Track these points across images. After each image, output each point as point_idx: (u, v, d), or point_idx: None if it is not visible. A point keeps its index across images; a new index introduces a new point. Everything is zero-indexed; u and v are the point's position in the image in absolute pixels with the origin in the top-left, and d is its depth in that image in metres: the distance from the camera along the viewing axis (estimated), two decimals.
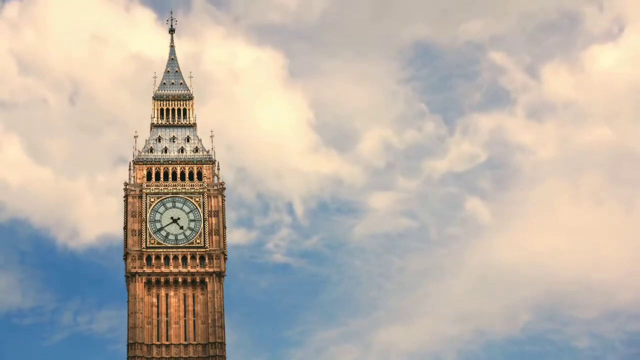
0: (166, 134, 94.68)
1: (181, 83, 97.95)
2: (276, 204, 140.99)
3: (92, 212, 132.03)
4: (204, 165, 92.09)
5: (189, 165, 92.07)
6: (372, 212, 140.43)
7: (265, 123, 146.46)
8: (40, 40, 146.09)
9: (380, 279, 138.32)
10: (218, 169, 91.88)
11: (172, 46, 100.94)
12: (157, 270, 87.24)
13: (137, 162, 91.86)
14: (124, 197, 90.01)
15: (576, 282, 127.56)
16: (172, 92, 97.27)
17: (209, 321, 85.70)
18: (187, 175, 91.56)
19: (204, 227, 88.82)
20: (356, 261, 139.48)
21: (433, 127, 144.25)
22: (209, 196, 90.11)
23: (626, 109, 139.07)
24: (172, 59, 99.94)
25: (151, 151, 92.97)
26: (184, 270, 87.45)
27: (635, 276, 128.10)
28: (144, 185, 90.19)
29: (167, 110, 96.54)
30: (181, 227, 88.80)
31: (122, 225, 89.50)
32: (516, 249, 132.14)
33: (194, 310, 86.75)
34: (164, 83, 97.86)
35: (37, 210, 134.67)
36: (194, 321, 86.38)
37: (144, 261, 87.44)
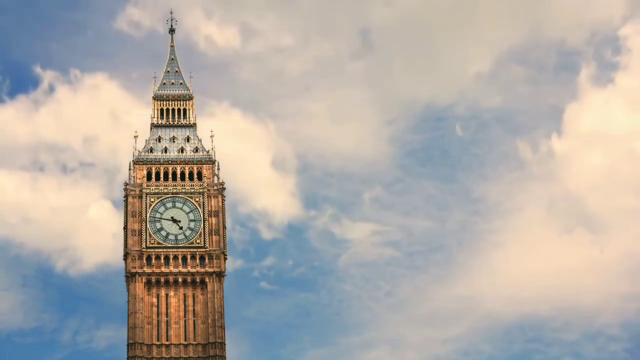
0: (166, 134, 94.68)
1: (181, 83, 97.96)
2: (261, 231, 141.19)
3: (92, 240, 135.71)
4: (204, 165, 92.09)
5: (189, 165, 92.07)
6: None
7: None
8: None
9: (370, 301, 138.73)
10: (218, 169, 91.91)
11: (172, 46, 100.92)
12: (157, 270, 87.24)
13: (137, 162, 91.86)
14: (124, 197, 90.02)
15: (557, 307, 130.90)
16: (172, 92, 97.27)
17: (209, 321, 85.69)
18: (187, 175, 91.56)
19: (204, 227, 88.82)
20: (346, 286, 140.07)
21: None
22: (209, 196, 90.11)
23: None
24: (172, 59, 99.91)
25: (151, 151, 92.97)
26: (184, 270, 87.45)
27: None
28: (144, 185, 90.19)
29: (167, 110, 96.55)
30: (180, 228, 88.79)
31: (122, 225, 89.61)
32: (498, 275, 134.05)
33: (194, 310, 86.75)
34: (164, 83, 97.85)
35: (40, 238, 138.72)
36: (194, 321, 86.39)
37: (144, 261, 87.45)
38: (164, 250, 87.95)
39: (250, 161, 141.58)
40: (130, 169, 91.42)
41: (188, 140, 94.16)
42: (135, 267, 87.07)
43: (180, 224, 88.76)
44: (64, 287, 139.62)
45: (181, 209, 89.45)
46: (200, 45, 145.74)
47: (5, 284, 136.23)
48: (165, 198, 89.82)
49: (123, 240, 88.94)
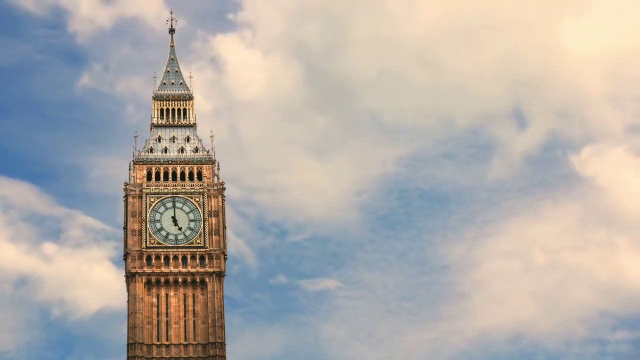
0: (166, 134, 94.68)
1: (181, 83, 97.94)
2: None
3: (92, 287, 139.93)
4: (204, 165, 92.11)
5: (189, 165, 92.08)
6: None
7: None
8: None
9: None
10: (218, 169, 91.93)
11: (172, 46, 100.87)
12: (157, 270, 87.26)
13: (137, 162, 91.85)
14: (124, 197, 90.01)
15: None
16: (172, 92, 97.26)
17: (209, 321, 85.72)
18: (187, 175, 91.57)
19: (204, 227, 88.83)
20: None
21: None
22: (209, 196, 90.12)
23: None
24: (172, 59, 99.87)
25: (151, 151, 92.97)
26: (184, 270, 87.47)
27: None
28: (144, 185, 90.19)
29: (167, 110, 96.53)
30: (180, 228, 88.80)
31: (122, 225, 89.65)
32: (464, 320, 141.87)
33: (194, 310, 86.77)
34: (164, 83, 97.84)
35: (43, 285, 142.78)
36: (194, 321, 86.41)
37: (144, 261, 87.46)
38: (164, 250, 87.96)
39: None
40: (130, 169, 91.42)
41: (188, 140, 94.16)
42: (135, 267, 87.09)
43: (180, 225, 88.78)
44: (64, 328, 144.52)
45: (181, 209, 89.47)
46: None
47: (12, 326, 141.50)
48: (165, 198, 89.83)
49: (123, 240, 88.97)
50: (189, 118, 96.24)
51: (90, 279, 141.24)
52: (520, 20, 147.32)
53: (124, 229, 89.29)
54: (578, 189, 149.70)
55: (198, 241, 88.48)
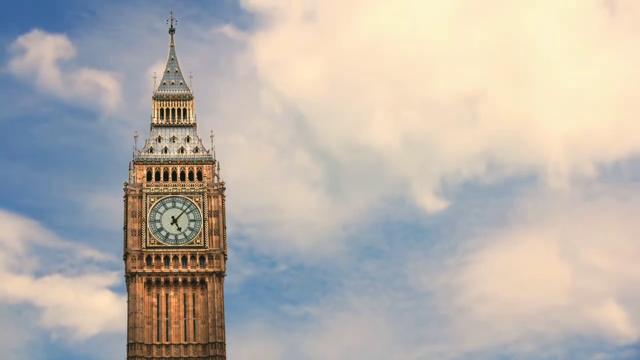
0: (166, 134, 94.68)
1: (181, 83, 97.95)
2: None
3: (92, 313, 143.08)
4: (204, 165, 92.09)
5: (189, 165, 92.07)
6: None
7: None
8: None
9: None
10: (218, 169, 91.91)
11: (172, 46, 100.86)
12: (157, 270, 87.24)
13: (137, 162, 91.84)
14: (124, 197, 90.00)
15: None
16: (172, 92, 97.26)
17: (209, 321, 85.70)
18: (187, 175, 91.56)
19: (204, 227, 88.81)
20: None
21: None
22: (209, 196, 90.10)
23: None
24: (172, 59, 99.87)
25: (151, 151, 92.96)
26: (184, 270, 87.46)
27: None
28: (144, 185, 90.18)
29: (167, 110, 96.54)
30: (179, 228, 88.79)
31: (122, 225, 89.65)
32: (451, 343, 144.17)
33: (194, 310, 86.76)
34: (164, 83, 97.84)
35: (45, 311, 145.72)
36: (194, 321, 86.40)
37: (144, 261, 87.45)
38: (164, 250, 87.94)
39: None
40: (130, 169, 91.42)
41: (188, 140, 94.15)
42: (135, 267, 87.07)
43: (179, 225, 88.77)
44: (64, 349, 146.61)
45: (181, 209, 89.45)
46: None
47: (15, 347, 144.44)
48: (165, 198, 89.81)
49: (123, 240, 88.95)
50: (189, 118, 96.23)
51: (91, 305, 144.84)
52: None
53: (124, 229, 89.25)
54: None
55: (198, 241, 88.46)
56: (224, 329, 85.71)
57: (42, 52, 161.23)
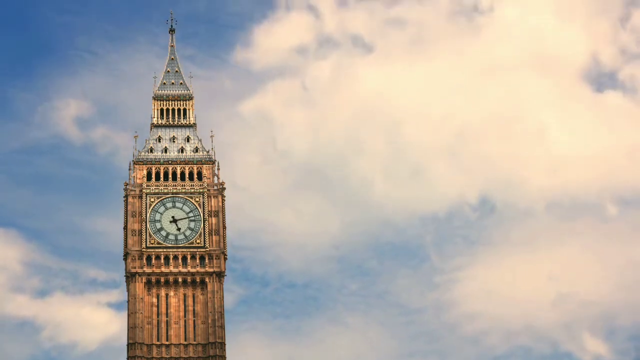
0: (166, 134, 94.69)
1: (181, 83, 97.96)
2: None
3: (92, 328, 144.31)
4: (204, 165, 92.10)
5: (189, 165, 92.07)
6: None
7: None
8: None
9: None
10: (218, 169, 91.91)
11: (172, 46, 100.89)
12: (157, 270, 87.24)
13: (137, 162, 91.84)
14: (124, 197, 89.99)
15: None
16: (172, 92, 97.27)
17: (209, 321, 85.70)
18: (187, 175, 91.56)
19: (204, 227, 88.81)
20: None
21: None
22: (209, 196, 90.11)
23: None
24: (172, 59, 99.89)
25: (151, 151, 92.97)
26: (184, 270, 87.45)
27: None
28: (144, 185, 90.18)
29: (167, 110, 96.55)
30: (178, 229, 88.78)
31: (122, 225, 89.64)
32: None
33: (194, 310, 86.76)
34: (164, 83, 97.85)
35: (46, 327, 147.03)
36: (194, 321, 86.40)
37: (144, 261, 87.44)
38: (164, 250, 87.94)
39: None
40: (130, 169, 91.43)
41: (188, 140, 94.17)
42: (135, 267, 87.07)
43: (179, 225, 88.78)
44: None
45: (181, 209, 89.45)
46: None
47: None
48: (165, 198, 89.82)
49: (123, 240, 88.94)
50: (189, 118, 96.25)
51: (91, 321, 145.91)
52: None
53: (124, 229, 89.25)
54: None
55: (198, 241, 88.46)
56: (224, 329, 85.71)
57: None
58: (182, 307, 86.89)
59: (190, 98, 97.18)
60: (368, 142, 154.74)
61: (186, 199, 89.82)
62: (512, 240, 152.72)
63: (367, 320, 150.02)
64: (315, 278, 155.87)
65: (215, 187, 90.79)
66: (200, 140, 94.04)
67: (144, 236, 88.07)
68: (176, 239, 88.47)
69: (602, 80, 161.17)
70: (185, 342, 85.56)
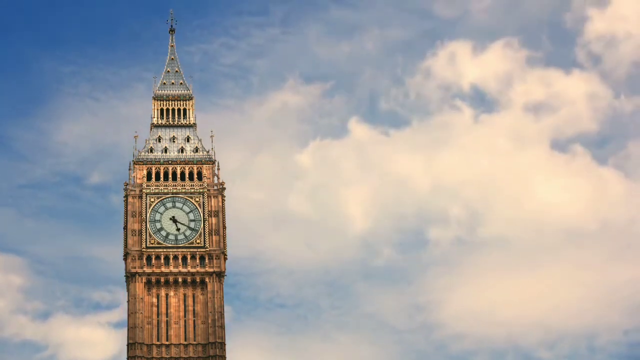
0: (166, 133, 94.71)
1: (181, 83, 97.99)
2: None
3: (93, 346, 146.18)
4: (204, 165, 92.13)
5: (189, 165, 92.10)
6: None
7: None
8: None
9: None
10: (218, 169, 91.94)
11: (172, 46, 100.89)
12: (157, 270, 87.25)
13: (137, 162, 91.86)
14: (124, 196, 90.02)
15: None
16: (172, 92, 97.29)
17: (209, 321, 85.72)
18: (187, 175, 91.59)
19: (204, 227, 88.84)
20: None
21: None
22: (209, 196, 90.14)
23: None
24: (172, 59, 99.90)
25: (151, 151, 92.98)
26: (184, 270, 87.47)
27: None
28: (144, 185, 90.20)
29: (167, 110, 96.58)
30: (178, 229, 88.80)
31: (122, 225, 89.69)
32: None
33: (194, 310, 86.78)
34: (164, 83, 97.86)
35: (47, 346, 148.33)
36: (194, 321, 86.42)
37: (144, 261, 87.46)
38: (164, 250, 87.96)
39: None
40: (130, 169, 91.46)
41: (188, 140, 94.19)
42: (135, 267, 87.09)
43: (178, 226, 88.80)
44: None
45: (181, 209, 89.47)
46: None
47: None
48: (165, 198, 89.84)
49: (123, 240, 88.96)
50: (189, 118, 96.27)
51: (91, 340, 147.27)
52: None
53: (124, 229, 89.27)
54: None
55: (198, 241, 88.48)
56: (224, 329, 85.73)
57: None
58: (182, 307, 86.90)
59: (190, 98, 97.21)
60: None
61: (186, 199, 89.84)
62: (496, 263, 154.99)
63: (356, 339, 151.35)
64: (305, 300, 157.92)
65: (215, 187, 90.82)
66: (200, 140, 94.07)
67: (144, 236, 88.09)
68: (176, 239, 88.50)
69: None
70: (185, 342, 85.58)
